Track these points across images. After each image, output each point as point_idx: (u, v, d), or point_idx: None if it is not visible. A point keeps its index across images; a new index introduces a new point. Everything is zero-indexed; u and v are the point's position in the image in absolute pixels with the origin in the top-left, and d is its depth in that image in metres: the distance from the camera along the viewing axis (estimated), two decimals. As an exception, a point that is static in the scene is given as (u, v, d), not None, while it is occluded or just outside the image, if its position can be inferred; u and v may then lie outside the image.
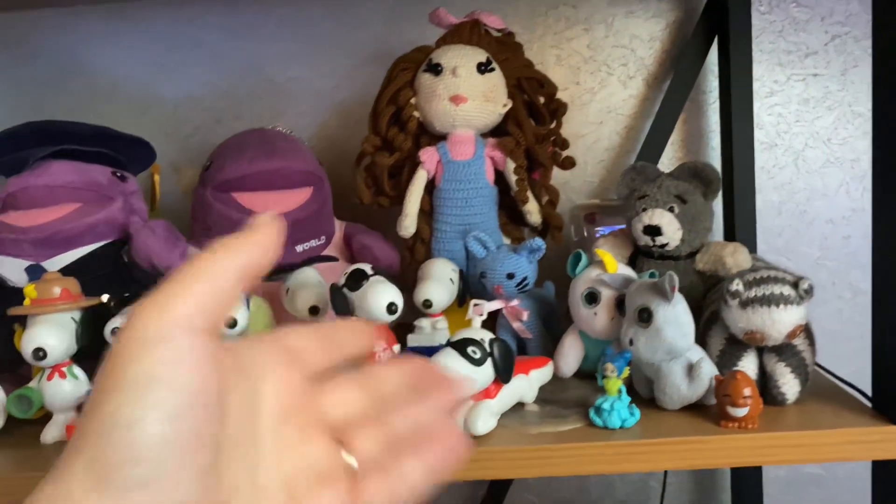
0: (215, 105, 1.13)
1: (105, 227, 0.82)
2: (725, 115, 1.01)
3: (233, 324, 0.65)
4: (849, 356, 1.06)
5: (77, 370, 0.73)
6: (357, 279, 0.66)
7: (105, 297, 0.77)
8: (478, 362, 0.63)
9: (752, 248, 1.01)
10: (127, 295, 0.76)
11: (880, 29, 0.62)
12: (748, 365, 0.68)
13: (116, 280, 0.81)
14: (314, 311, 0.75)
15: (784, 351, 0.67)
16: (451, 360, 0.63)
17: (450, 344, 0.65)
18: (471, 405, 0.65)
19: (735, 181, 0.99)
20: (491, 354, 0.64)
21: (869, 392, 0.67)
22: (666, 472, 1.11)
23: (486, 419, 0.64)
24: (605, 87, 1.10)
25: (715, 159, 1.11)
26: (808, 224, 1.12)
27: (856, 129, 1.09)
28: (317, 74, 1.12)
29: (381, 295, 0.64)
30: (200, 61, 1.12)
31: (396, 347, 0.68)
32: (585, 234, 0.97)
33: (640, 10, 1.08)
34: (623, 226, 0.95)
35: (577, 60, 1.10)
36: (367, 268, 0.68)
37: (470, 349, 0.64)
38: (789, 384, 0.66)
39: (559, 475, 0.63)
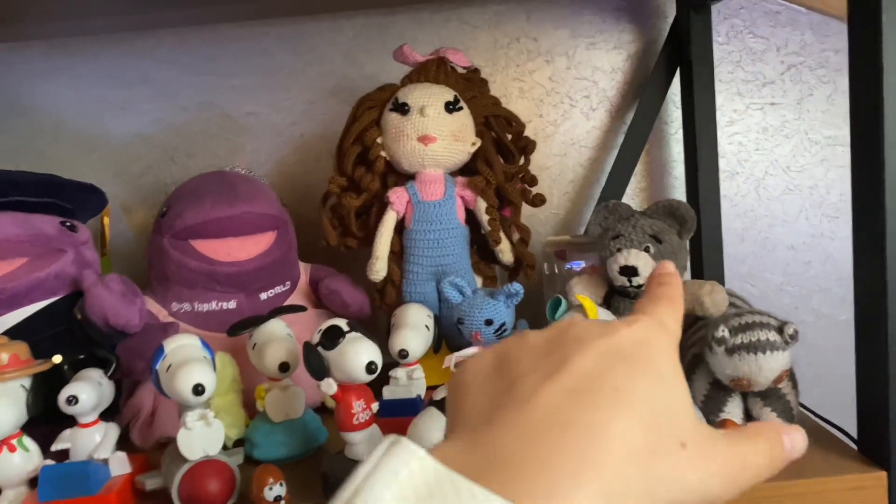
0: (167, 142, 1.09)
1: (55, 283, 0.77)
2: (690, 145, 1.01)
3: (200, 391, 0.61)
4: (813, 379, 1.07)
5: (27, 441, 0.68)
6: (333, 337, 0.63)
7: (57, 358, 0.72)
8: (463, 421, 0.61)
9: (720, 277, 1.01)
10: (82, 357, 0.71)
11: (857, 59, 0.62)
12: (734, 410, 0.67)
13: (69, 339, 0.76)
14: (284, 367, 0.71)
15: (769, 395, 0.66)
16: (434, 422, 0.60)
17: (433, 403, 0.62)
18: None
19: (701, 210, 0.99)
20: (476, 412, 0.62)
21: (853, 433, 0.67)
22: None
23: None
24: (567, 119, 1.10)
25: (678, 189, 1.11)
26: (771, 250, 1.13)
27: (812, 156, 1.11)
28: (274, 109, 1.09)
29: (361, 354, 0.61)
30: (151, 97, 1.08)
31: (375, 406, 0.65)
32: (556, 270, 0.95)
33: (601, 41, 1.08)
34: (582, 262, 0.94)
35: (540, 93, 1.09)
36: (343, 324, 0.64)
37: (454, 408, 0.61)
38: (776, 429, 0.65)
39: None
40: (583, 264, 0.95)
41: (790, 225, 1.13)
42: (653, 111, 1.04)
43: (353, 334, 0.64)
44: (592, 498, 0.24)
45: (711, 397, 0.68)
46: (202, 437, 0.62)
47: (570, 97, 1.09)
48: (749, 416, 0.67)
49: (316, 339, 0.64)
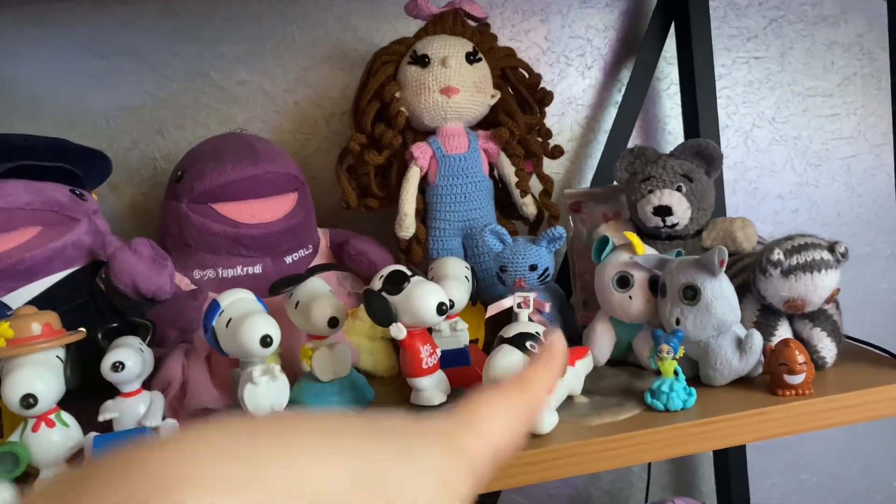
0: (155, 115, 1.03)
1: (73, 252, 0.72)
2: (689, 100, 1.03)
3: (269, 342, 0.58)
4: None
5: (66, 416, 0.63)
6: (398, 281, 0.61)
7: (83, 331, 0.67)
8: (537, 357, 0.60)
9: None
10: (115, 325, 0.67)
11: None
12: (784, 333, 0.69)
13: (93, 310, 0.72)
14: (333, 323, 0.69)
15: (818, 317, 0.68)
16: (511, 357, 0.59)
17: (506, 340, 0.61)
18: (529, 403, 0.62)
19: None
20: (548, 347, 0.61)
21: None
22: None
23: (549, 416, 0.61)
24: (564, 79, 1.10)
25: (673, 144, 1.13)
26: (760, 200, 1.17)
27: (796, 107, 1.15)
28: (266, 77, 1.05)
29: (431, 295, 0.60)
30: (134, 68, 1.02)
31: (439, 351, 0.64)
32: (571, 222, 0.96)
33: (594, 0, 1.09)
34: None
35: (536, 52, 1.09)
36: (405, 268, 0.63)
37: (528, 343, 0.60)
38: (827, 348, 0.68)
39: (631, 465, 0.61)
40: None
41: (777, 175, 1.17)
42: (650, 68, 1.06)
43: (417, 278, 0.62)
44: None
45: (761, 322, 0.69)
46: (269, 393, 0.59)
47: (565, 56, 1.10)
48: (798, 338, 0.69)
49: (378, 285, 0.62)
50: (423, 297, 0.60)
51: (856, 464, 1.27)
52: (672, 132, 1.13)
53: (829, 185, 1.18)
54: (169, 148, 1.04)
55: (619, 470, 1.20)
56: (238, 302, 0.61)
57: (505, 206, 0.91)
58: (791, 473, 1.27)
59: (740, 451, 1.12)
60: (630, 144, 1.11)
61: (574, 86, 1.11)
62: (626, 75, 1.09)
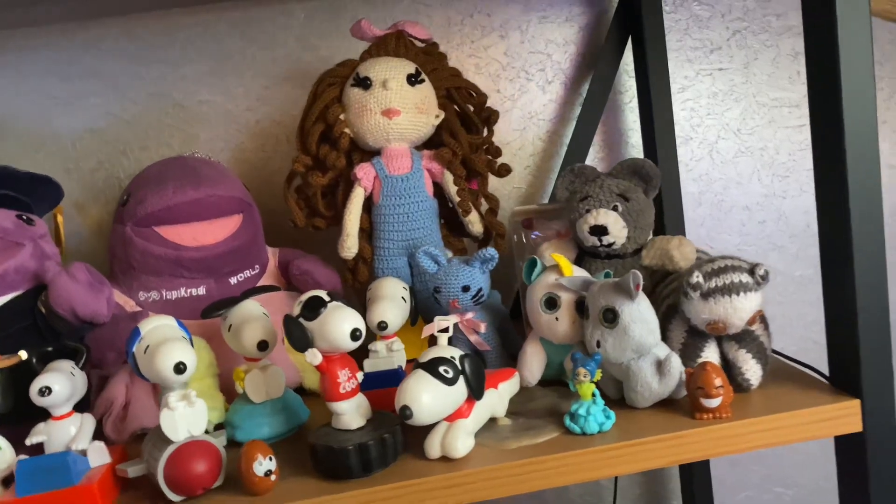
0: (119, 136, 1.06)
1: (15, 277, 0.74)
2: (646, 112, 1.03)
3: (182, 369, 0.59)
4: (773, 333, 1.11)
5: (-1, 439, 0.65)
6: (314, 307, 0.62)
7: (23, 354, 0.69)
8: (451, 381, 0.61)
9: (681, 240, 1.03)
10: (50, 349, 0.69)
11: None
12: (711, 355, 0.69)
13: (34, 333, 0.73)
14: (262, 346, 0.70)
15: (744, 338, 0.68)
16: (423, 383, 0.60)
17: (420, 365, 0.62)
18: (446, 427, 0.63)
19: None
20: (463, 372, 0.62)
21: (821, 370, 0.69)
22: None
23: (464, 440, 0.62)
24: (525, 94, 1.11)
25: (635, 156, 1.13)
26: (727, 212, 1.16)
27: (761, 118, 1.15)
28: (228, 97, 1.07)
29: (344, 322, 0.61)
30: (98, 91, 1.04)
31: (360, 375, 0.65)
32: (524, 239, 0.96)
33: (553, 14, 1.09)
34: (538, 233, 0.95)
35: (496, 68, 1.10)
36: (324, 294, 0.64)
37: (441, 368, 0.61)
38: (752, 370, 0.67)
39: (544, 488, 0.62)
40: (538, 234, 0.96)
41: (744, 186, 1.16)
42: (607, 82, 1.06)
43: (335, 303, 0.63)
44: None
45: (689, 344, 0.69)
46: (186, 418, 0.61)
47: (525, 71, 1.10)
48: (725, 360, 0.69)
49: (297, 310, 0.63)
50: (337, 323, 0.61)
51: (832, 476, 1.25)
52: (635, 145, 1.13)
53: (797, 195, 1.17)
54: (133, 168, 1.06)
55: (587, 483, 1.20)
56: (158, 328, 0.63)
57: (454, 224, 0.91)
58: (766, 486, 1.26)
59: (703, 463, 1.11)
60: (590, 158, 1.12)
61: (535, 100, 1.11)
62: (587, 89, 1.09)
